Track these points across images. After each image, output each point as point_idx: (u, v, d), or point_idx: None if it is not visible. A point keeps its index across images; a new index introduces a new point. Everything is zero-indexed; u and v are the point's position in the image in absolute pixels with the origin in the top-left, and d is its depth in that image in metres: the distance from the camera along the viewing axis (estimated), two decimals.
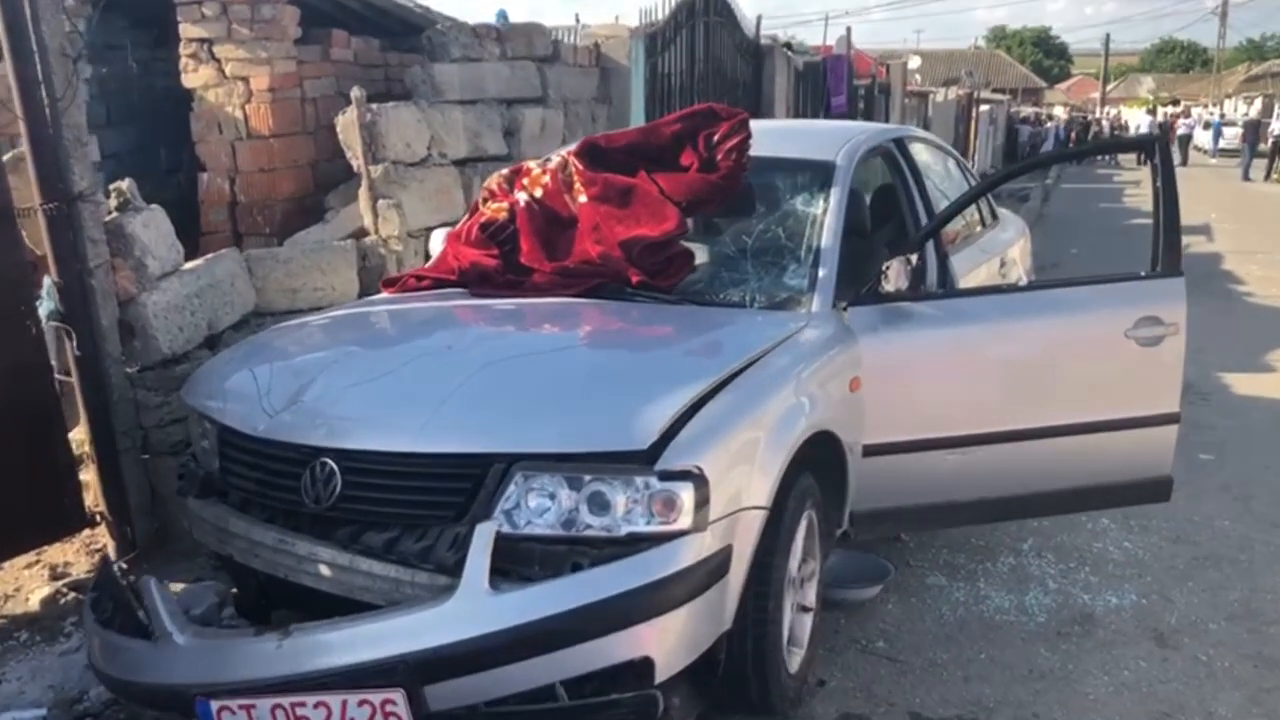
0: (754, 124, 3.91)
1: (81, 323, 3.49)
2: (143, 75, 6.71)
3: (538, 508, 2.47)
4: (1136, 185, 23.50)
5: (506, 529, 2.45)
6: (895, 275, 3.34)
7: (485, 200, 3.91)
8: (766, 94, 11.43)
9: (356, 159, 5.08)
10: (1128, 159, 33.54)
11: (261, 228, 5.60)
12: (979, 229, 5.04)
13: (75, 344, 3.47)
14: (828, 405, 3.09)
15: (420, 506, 2.53)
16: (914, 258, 3.40)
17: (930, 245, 4.22)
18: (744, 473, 2.66)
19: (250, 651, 2.46)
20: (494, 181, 3.93)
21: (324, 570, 2.59)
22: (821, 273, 3.43)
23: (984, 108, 26.11)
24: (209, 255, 4.40)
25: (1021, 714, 3.07)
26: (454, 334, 3.27)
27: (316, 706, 2.35)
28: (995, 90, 36.43)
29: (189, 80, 5.67)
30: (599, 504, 2.47)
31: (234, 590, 3.07)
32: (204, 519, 2.88)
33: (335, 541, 2.59)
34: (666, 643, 2.45)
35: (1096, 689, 3.20)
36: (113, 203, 3.94)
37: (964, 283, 4.30)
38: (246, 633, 2.56)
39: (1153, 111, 42.79)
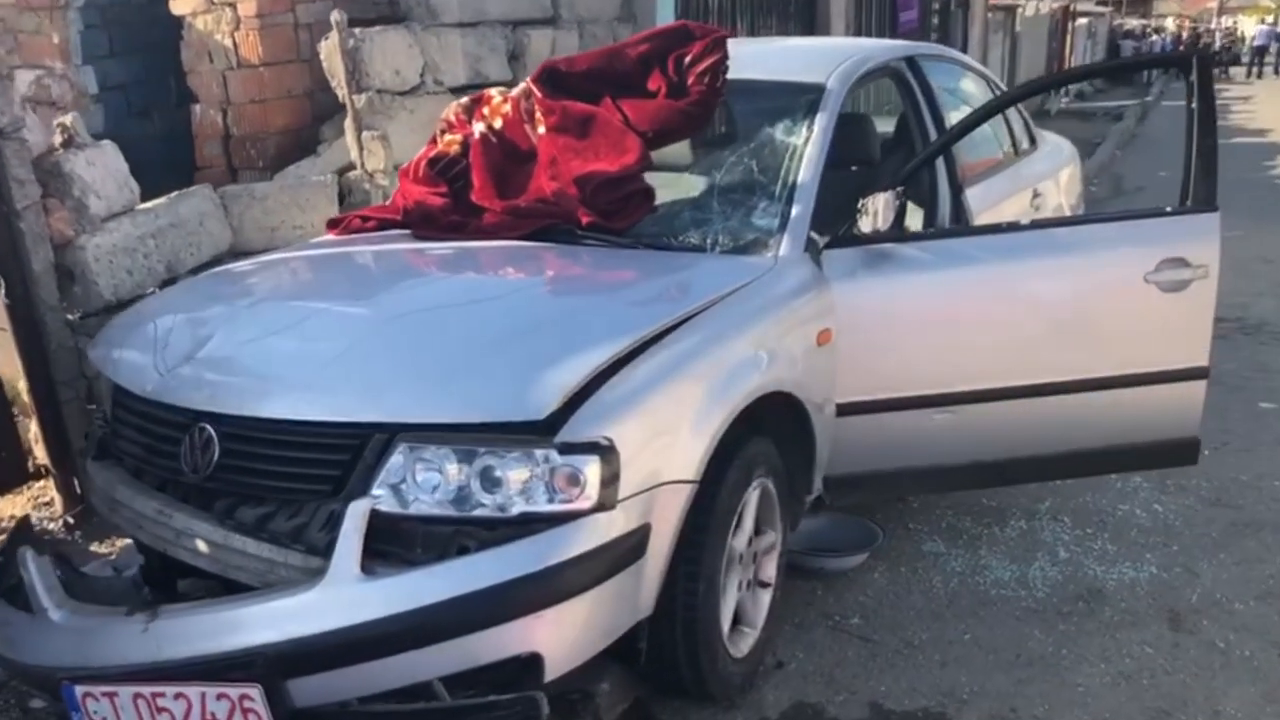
0: (738, 44, 3.55)
1: (10, 269, 3.30)
2: (150, 2, 6.50)
3: (425, 483, 2.21)
4: (1246, 101, 22.13)
5: (391, 507, 2.19)
6: (873, 213, 2.96)
7: (443, 132, 3.61)
8: (821, 10, 10.80)
9: (340, 88, 4.81)
10: (1239, 72, 31.69)
11: (255, 161, 5.37)
12: (1010, 157, 4.57)
13: (4, 291, 3.29)
14: (786, 362, 2.77)
15: (297, 480, 2.28)
16: (898, 193, 3.01)
17: (942, 178, 3.84)
18: (667, 443, 2.36)
19: (119, 633, 2.26)
20: (452, 111, 3.63)
21: (201, 546, 2.37)
22: (795, 211, 3.07)
23: (1081, 21, 24.68)
24: (174, 193, 4.19)
25: (997, 708, 2.75)
26: (369, 283, 2.99)
27: (177, 698, 2.15)
28: (1097, 1, 34.42)
29: (176, 6, 5.43)
30: (491, 481, 2.20)
31: (142, 559, 2.89)
32: (98, 485, 2.69)
33: (212, 515, 2.37)
34: (560, 636, 2.19)
35: (1090, 679, 2.86)
36: (57, 139, 3.74)
37: (983, 219, 3.90)
38: (118, 612, 2.36)
39: (1274, 22, 40.15)
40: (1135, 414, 3.20)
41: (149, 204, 3.99)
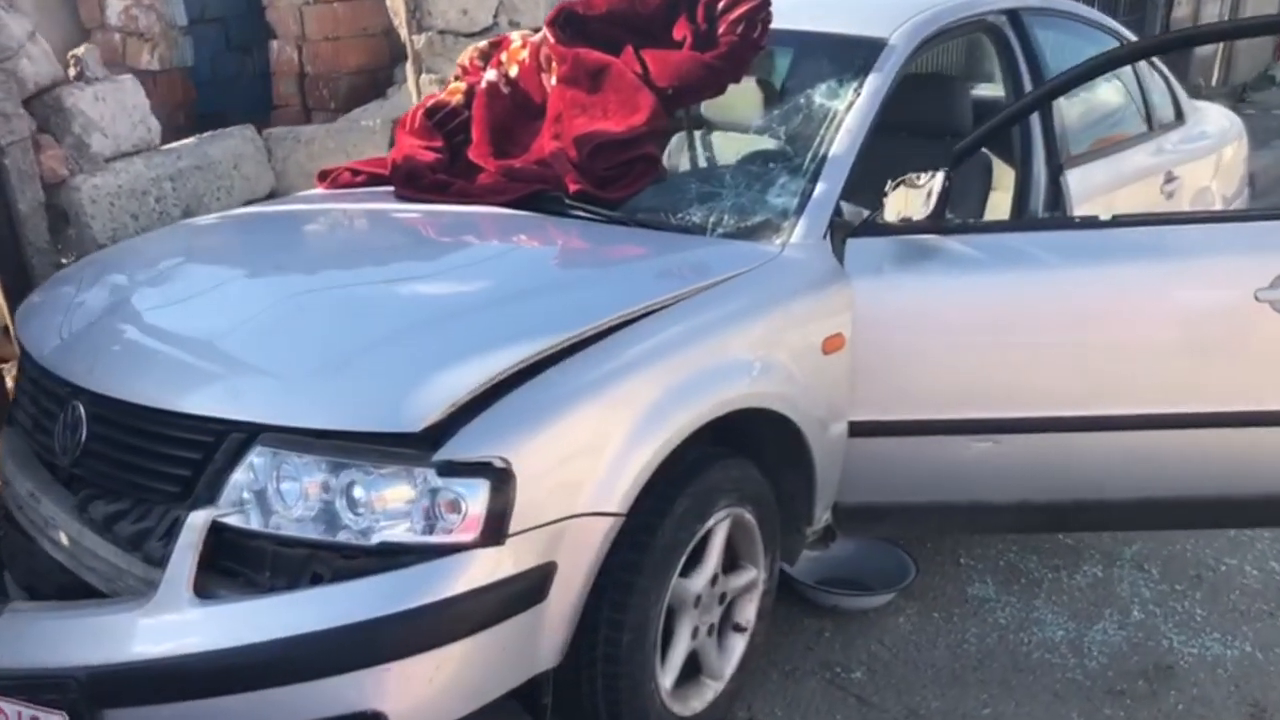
0: None
1: None
2: None
3: (285, 496, 1.88)
4: None
5: (243, 520, 1.87)
6: (898, 201, 2.45)
7: (456, 79, 3.25)
8: None
9: (401, 27, 4.51)
10: None
11: (327, 102, 5.16)
12: (1140, 133, 3.88)
13: None
14: (776, 371, 2.31)
15: (150, 477, 1.98)
16: (946, 175, 2.48)
17: (1038, 156, 3.25)
18: (586, 467, 1.96)
19: None
20: (468, 55, 3.26)
21: (61, 539, 2.11)
22: (819, 190, 2.57)
23: None
24: (206, 134, 3.98)
25: None
26: (298, 252, 2.64)
27: None
28: None
29: None
30: (356, 501, 1.85)
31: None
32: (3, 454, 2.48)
33: (72, 506, 2.11)
34: (416, 694, 1.82)
35: None
36: (71, 72, 3.56)
37: (1086, 209, 3.29)
38: None
39: None
40: (1235, 459, 2.61)
41: (173, 145, 3.79)
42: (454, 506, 1.82)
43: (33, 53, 3.35)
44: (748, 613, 2.48)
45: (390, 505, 1.84)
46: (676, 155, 2.78)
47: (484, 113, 3.00)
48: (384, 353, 1.97)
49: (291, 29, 5.22)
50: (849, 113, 2.71)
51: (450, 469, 1.82)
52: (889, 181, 2.47)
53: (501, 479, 1.83)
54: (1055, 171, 3.25)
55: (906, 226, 2.47)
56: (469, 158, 2.96)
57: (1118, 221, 2.57)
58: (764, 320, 2.31)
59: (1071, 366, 2.54)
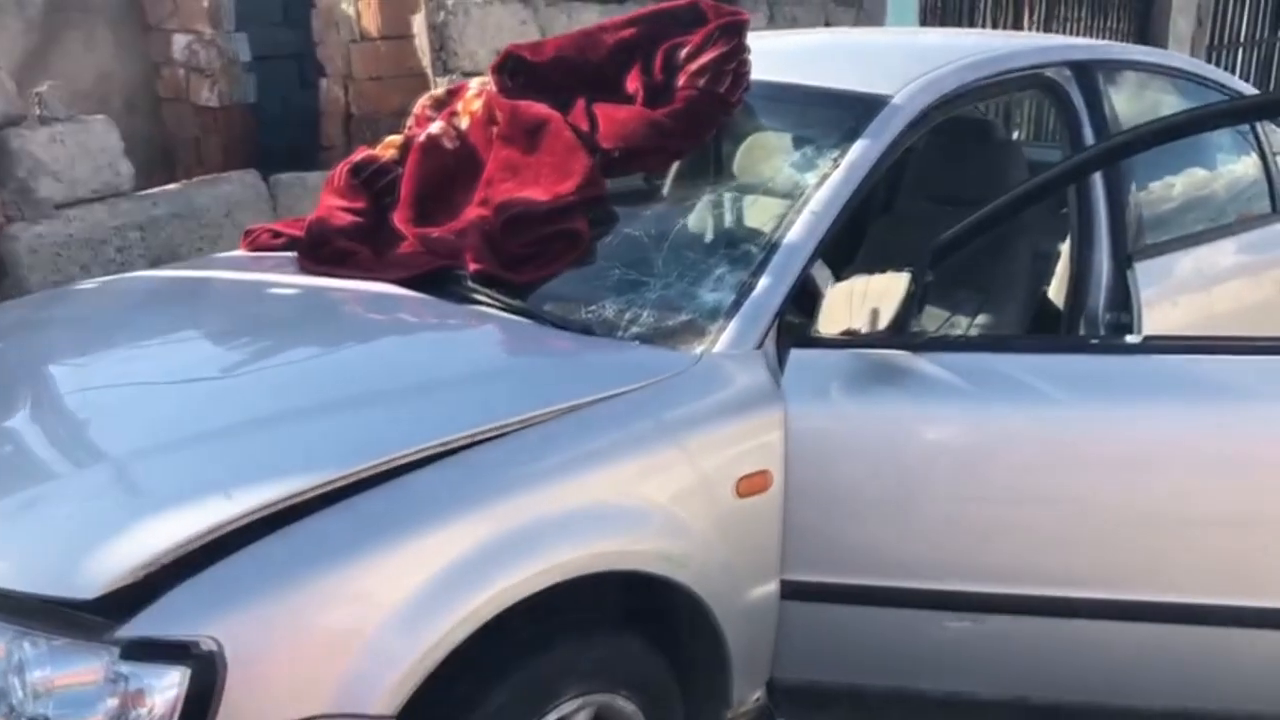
0: (793, 36, 2.54)
1: None
2: None
3: None
4: None
5: None
6: (840, 306, 1.90)
7: (409, 129, 2.86)
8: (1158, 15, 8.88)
9: (428, 67, 4.18)
10: None
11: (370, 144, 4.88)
12: (1253, 216, 3.16)
13: None
14: (654, 523, 1.79)
15: None
16: (912, 277, 1.91)
17: (1101, 243, 2.61)
18: (341, 649, 1.49)
19: None
20: (421, 104, 2.86)
21: None
22: (761, 286, 2.03)
23: None
24: (195, 179, 3.73)
25: None
26: (109, 341, 2.17)
27: None
28: None
29: None
30: (28, 681, 1.44)
31: None
32: None
33: None
34: None
35: None
36: (36, 111, 3.35)
37: (1164, 314, 2.64)
38: None
39: None
40: None
41: (152, 190, 3.54)
42: (138, 699, 1.39)
43: None
44: None
45: (70, 690, 1.43)
46: (611, 232, 2.29)
47: (416, 170, 2.58)
48: (90, 487, 1.56)
49: (339, 68, 4.99)
50: (819, 189, 2.16)
51: (136, 650, 1.39)
52: (830, 281, 1.92)
53: (205, 666, 1.39)
54: (1122, 263, 2.61)
55: (854, 340, 1.92)
56: (393, 223, 2.56)
57: (1150, 346, 1.94)
58: (644, 454, 1.80)
59: (1079, 534, 1.92)
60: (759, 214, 2.20)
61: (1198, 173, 3.15)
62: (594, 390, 1.82)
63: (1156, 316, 2.62)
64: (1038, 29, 7.44)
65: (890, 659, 2.06)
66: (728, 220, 2.20)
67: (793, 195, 2.18)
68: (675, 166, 2.40)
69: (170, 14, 5.44)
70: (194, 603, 1.42)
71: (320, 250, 2.47)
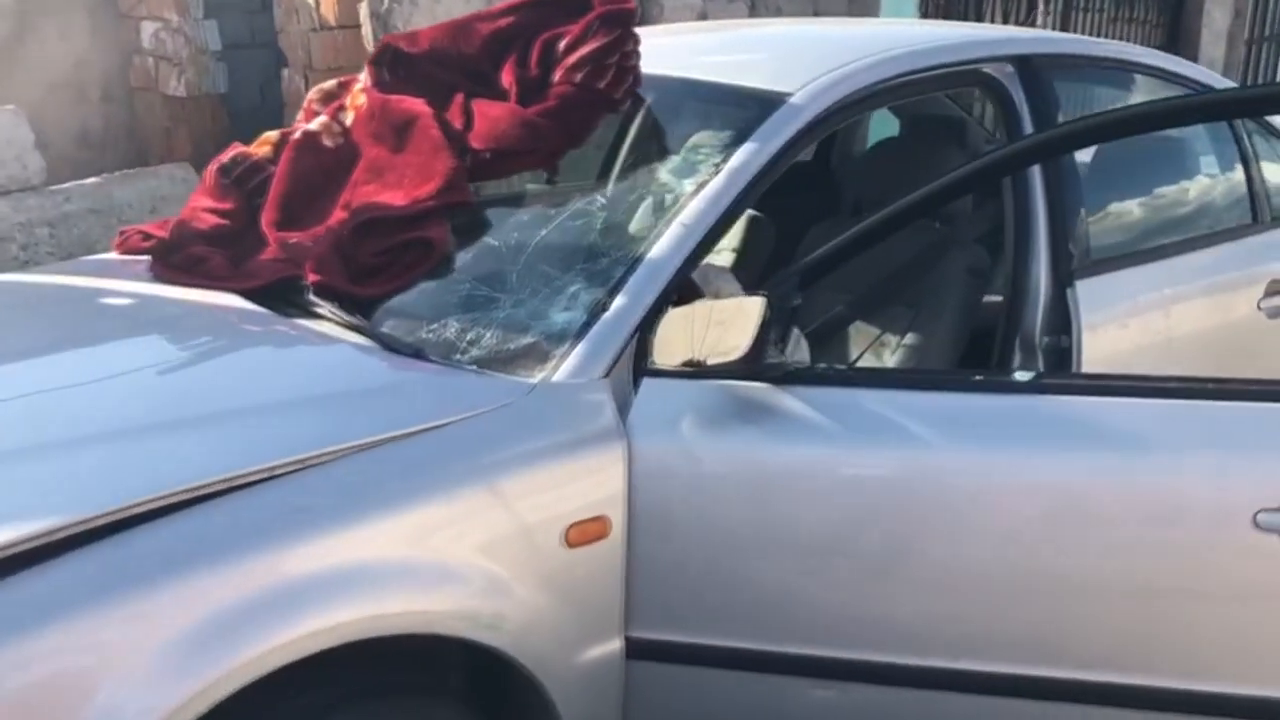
0: (719, 27, 2.34)
1: None
2: None
3: None
4: None
5: None
6: (675, 336, 1.67)
7: (297, 122, 2.66)
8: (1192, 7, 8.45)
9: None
10: None
11: None
12: (1243, 225, 2.87)
13: None
14: (456, 579, 1.58)
15: None
16: (760, 308, 1.67)
17: (1039, 259, 2.36)
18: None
19: None
20: (310, 97, 2.66)
21: None
22: (616, 306, 1.81)
23: None
24: (117, 173, 3.57)
25: None
26: None
27: None
28: None
29: None
30: None
31: None
32: None
33: None
34: None
35: None
36: None
37: (1117, 341, 2.39)
38: None
39: None
40: None
41: (65, 185, 3.38)
42: None
43: None
44: None
45: None
46: (472, 243, 2.07)
47: (287, 170, 2.38)
48: None
49: (300, 57, 4.81)
50: (694, 198, 1.93)
51: None
52: (668, 307, 1.70)
53: None
54: (1060, 282, 2.35)
55: (703, 372, 1.69)
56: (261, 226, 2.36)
57: (1041, 385, 1.69)
58: (447, 499, 1.58)
59: (954, 597, 1.69)
60: (630, 225, 1.98)
61: (1165, 178, 2.88)
62: (400, 424, 1.62)
63: (1102, 341, 2.37)
64: (1054, 25, 7.08)
65: None
66: (595, 231, 1.98)
67: (661, 205, 1.96)
68: (550, 171, 2.17)
69: (139, 0, 5.30)
70: None
71: (172, 256, 2.29)
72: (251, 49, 5.81)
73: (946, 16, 6.04)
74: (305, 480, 1.51)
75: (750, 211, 2.99)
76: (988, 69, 2.42)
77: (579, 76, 2.12)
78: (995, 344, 2.36)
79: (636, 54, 2.17)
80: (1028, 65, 2.46)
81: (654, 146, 2.14)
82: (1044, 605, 1.65)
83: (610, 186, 2.09)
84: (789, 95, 2.08)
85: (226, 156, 2.50)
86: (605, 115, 2.16)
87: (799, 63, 2.24)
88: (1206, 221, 2.83)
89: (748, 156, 1.98)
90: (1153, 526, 1.60)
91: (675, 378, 1.76)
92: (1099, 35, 7.74)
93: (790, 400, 1.71)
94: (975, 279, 2.52)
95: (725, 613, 1.77)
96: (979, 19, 6.29)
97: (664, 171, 2.03)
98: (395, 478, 1.56)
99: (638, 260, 1.87)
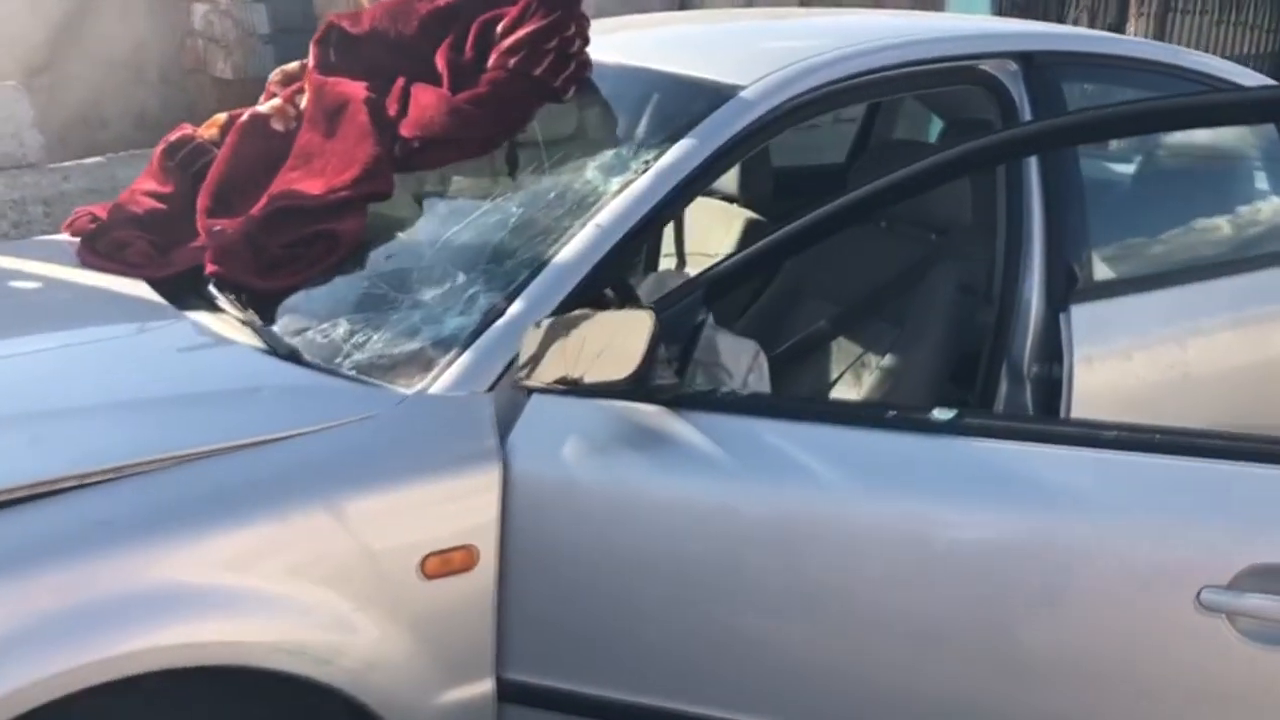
0: (712, 14, 2.26)
1: None
2: None
3: None
4: None
5: None
6: (538, 349, 1.49)
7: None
8: None
9: None
10: None
11: None
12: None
13: None
14: (276, 611, 1.43)
15: None
16: (650, 325, 1.48)
17: (1032, 278, 2.12)
18: None
19: None
20: (272, 78, 2.55)
21: None
22: (510, 313, 1.65)
23: None
24: (122, 153, 3.53)
25: None
26: None
27: None
28: None
29: None
30: None
31: None
32: None
33: None
34: None
35: None
36: None
37: (1119, 375, 2.14)
38: None
39: None
40: None
41: (66, 164, 3.35)
42: None
43: None
44: None
45: None
46: (385, 237, 1.93)
47: (229, 153, 2.26)
48: None
49: None
50: (616, 198, 1.76)
51: None
52: (540, 319, 1.52)
53: None
54: (1056, 305, 2.11)
55: (581, 390, 1.51)
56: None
57: (962, 426, 1.46)
58: (277, 520, 1.43)
59: (850, 660, 1.48)
60: (544, 225, 1.80)
61: (1210, 198, 2.59)
62: (240, 434, 1.48)
63: (1100, 374, 2.12)
64: (1148, 30, 6.65)
65: None
66: (506, 230, 1.81)
67: (579, 204, 1.78)
68: (474, 162, 2.00)
69: None
70: None
71: (98, 240, 2.19)
72: (301, 34, 5.76)
73: (1025, 15, 5.70)
74: (116, 491, 1.38)
75: (750, 215, 2.83)
76: (986, 66, 2.18)
77: (513, 61, 1.96)
78: (980, 369, 2.14)
79: (581, 39, 1.99)
80: (1034, 63, 2.21)
81: (589, 139, 1.97)
82: (950, 676, 1.43)
83: (534, 181, 1.91)
84: (740, 89, 1.89)
85: (174, 137, 2.40)
86: (543, 104, 1.98)
87: (768, 54, 2.04)
88: (1245, 245, 2.53)
89: (681, 155, 1.79)
90: (1076, 602, 1.37)
91: (565, 396, 1.58)
92: (1201, 40, 7.29)
93: (683, 427, 1.52)
94: (968, 297, 2.28)
95: (607, 658, 1.59)
96: (1060, 19, 5.93)
97: (592, 168, 1.85)
98: (217, 493, 1.42)
99: (543, 264, 1.70)
